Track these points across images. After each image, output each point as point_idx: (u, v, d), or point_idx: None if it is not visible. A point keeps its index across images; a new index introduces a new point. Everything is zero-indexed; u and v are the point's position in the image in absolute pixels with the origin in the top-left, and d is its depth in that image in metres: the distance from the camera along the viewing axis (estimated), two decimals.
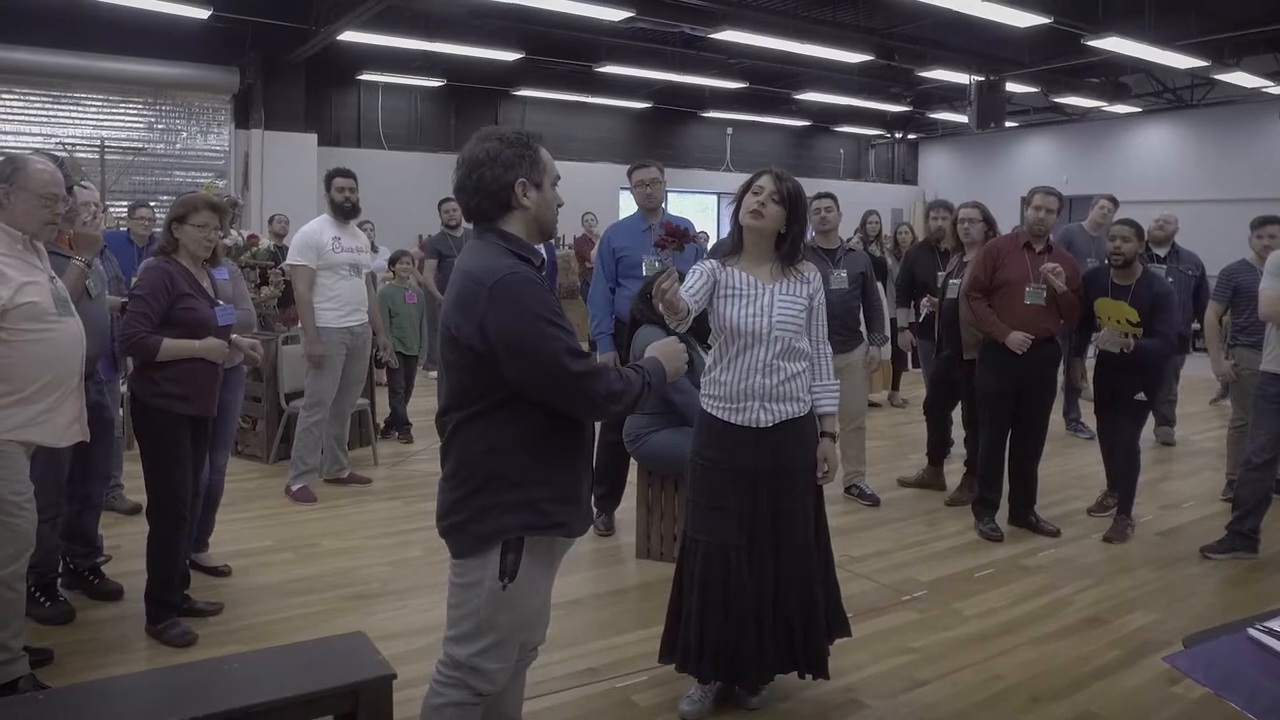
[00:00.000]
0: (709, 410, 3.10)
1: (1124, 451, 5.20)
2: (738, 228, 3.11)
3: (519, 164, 2.24)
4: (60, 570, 4.01)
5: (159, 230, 4.60)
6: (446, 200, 8.19)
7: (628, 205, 16.35)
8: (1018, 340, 4.86)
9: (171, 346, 3.57)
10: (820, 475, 3.15)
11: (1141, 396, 5.09)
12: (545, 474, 2.26)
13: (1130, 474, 5.20)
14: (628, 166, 5.20)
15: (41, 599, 3.80)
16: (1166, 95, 15.44)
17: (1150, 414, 7.30)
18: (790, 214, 3.01)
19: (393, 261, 7.66)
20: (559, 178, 2.37)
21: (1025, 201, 5.15)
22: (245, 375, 4.59)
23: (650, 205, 5.06)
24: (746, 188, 3.06)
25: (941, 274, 5.93)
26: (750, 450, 3.03)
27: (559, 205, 2.36)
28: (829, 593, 3.25)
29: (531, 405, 2.20)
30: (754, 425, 3.03)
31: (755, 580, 3.06)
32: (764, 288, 3.03)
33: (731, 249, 3.13)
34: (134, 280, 4.42)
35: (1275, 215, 5.91)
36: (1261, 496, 4.74)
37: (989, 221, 5.67)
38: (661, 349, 2.43)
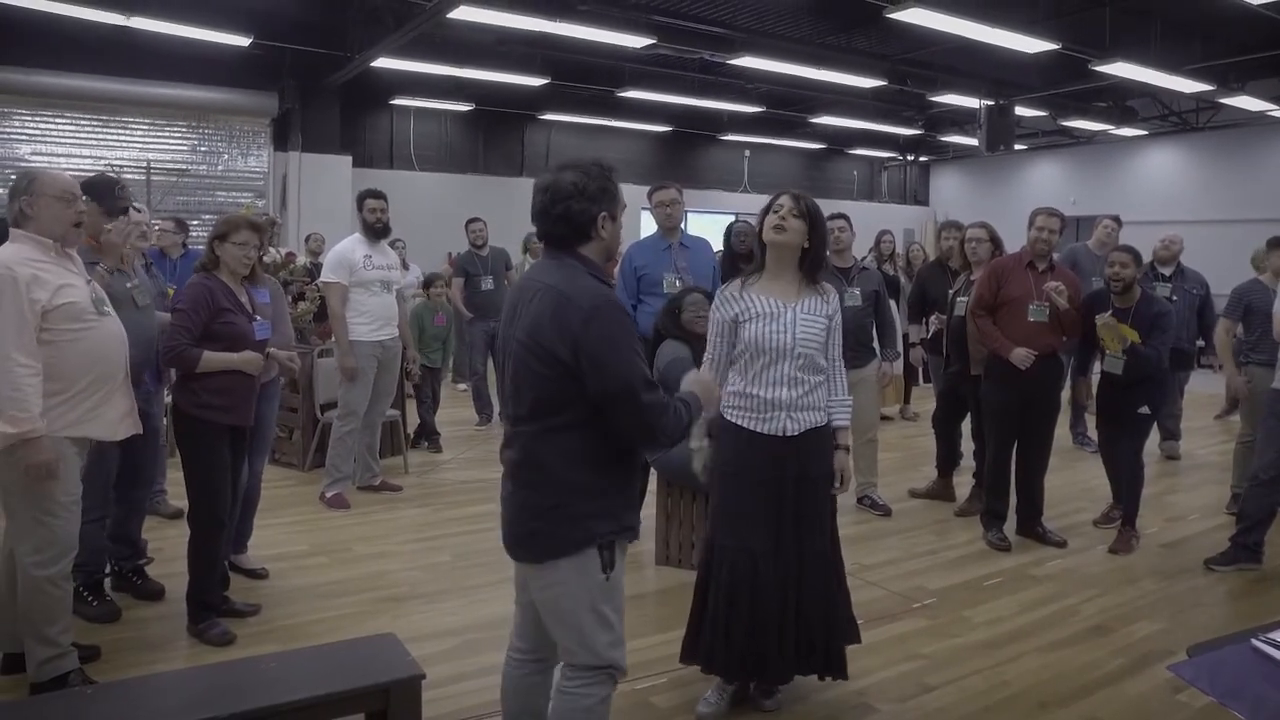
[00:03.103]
0: (735, 421, 3.12)
1: (1128, 465, 5.16)
2: (762, 248, 3.15)
3: (603, 198, 2.32)
4: (108, 571, 4.07)
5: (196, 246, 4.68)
6: (474, 221, 8.23)
7: (649, 225, 16.40)
8: (1021, 356, 4.86)
9: (211, 358, 3.63)
10: (835, 486, 3.18)
11: (1145, 410, 5.05)
12: (621, 483, 2.37)
13: (1134, 487, 5.16)
14: (648, 188, 5.23)
15: (89, 598, 3.85)
16: (1172, 118, 15.34)
17: (1155, 428, 7.30)
18: (811, 229, 3.06)
19: (428, 284, 7.72)
20: (625, 207, 2.45)
21: (1030, 222, 5.12)
22: (280, 387, 4.64)
23: (669, 225, 5.10)
24: (767, 209, 3.12)
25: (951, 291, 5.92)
26: (776, 457, 3.07)
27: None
28: (843, 599, 3.27)
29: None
30: (781, 434, 3.06)
31: (780, 585, 3.09)
32: (785, 306, 3.07)
33: (754, 269, 3.18)
34: (169, 291, 4.49)
35: None
36: (1267, 511, 4.69)
37: (995, 241, 5.66)
38: (700, 386, 2.49)
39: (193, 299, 3.68)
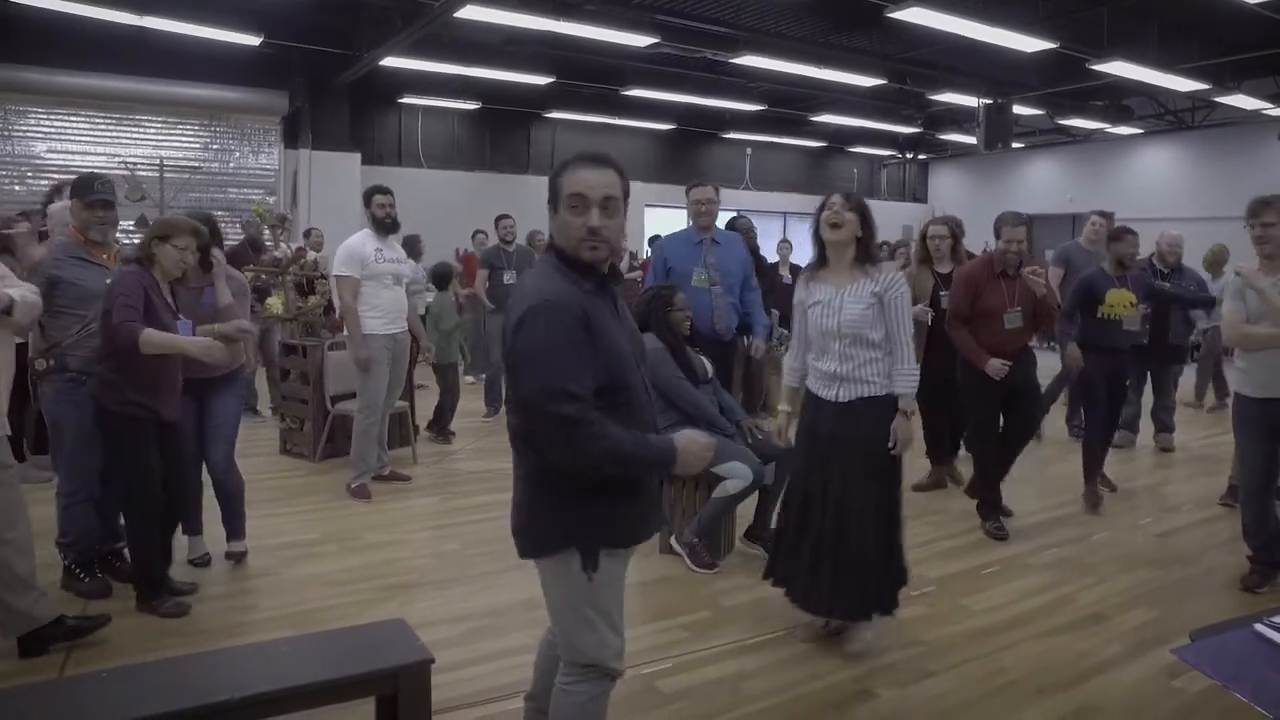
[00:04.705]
0: (810, 387, 3.61)
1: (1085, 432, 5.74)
2: (820, 246, 3.52)
3: (550, 189, 2.23)
4: (114, 559, 4.13)
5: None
6: (504, 217, 8.26)
7: (653, 222, 16.35)
8: (995, 368, 4.89)
9: (152, 337, 3.51)
10: (890, 446, 3.43)
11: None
12: (617, 489, 2.22)
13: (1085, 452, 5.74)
14: (685, 185, 5.44)
15: (80, 574, 3.93)
16: (1168, 117, 15.30)
17: (1150, 420, 7.29)
18: (862, 220, 3.43)
19: (445, 279, 7.74)
20: (577, 195, 2.16)
21: (997, 233, 5.08)
22: (240, 384, 4.57)
23: (704, 223, 5.17)
24: (820, 208, 3.48)
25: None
26: (831, 419, 3.50)
27: (587, 226, 2.16)
28: (886, 560, 3.51)
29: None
30: (835, 400, 3.49)
31: (821, 527, 3.49)
32: (837, 292, 3.45)
33: (818, 264, 3.56)
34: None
35: None
36: (1264, 519, 4.31)
37: (956, 238, 5.79)
38: (692, 444, 2.24)
39: (130, 285, 3.60)
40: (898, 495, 3.55)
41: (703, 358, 4.66)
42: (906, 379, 3.43)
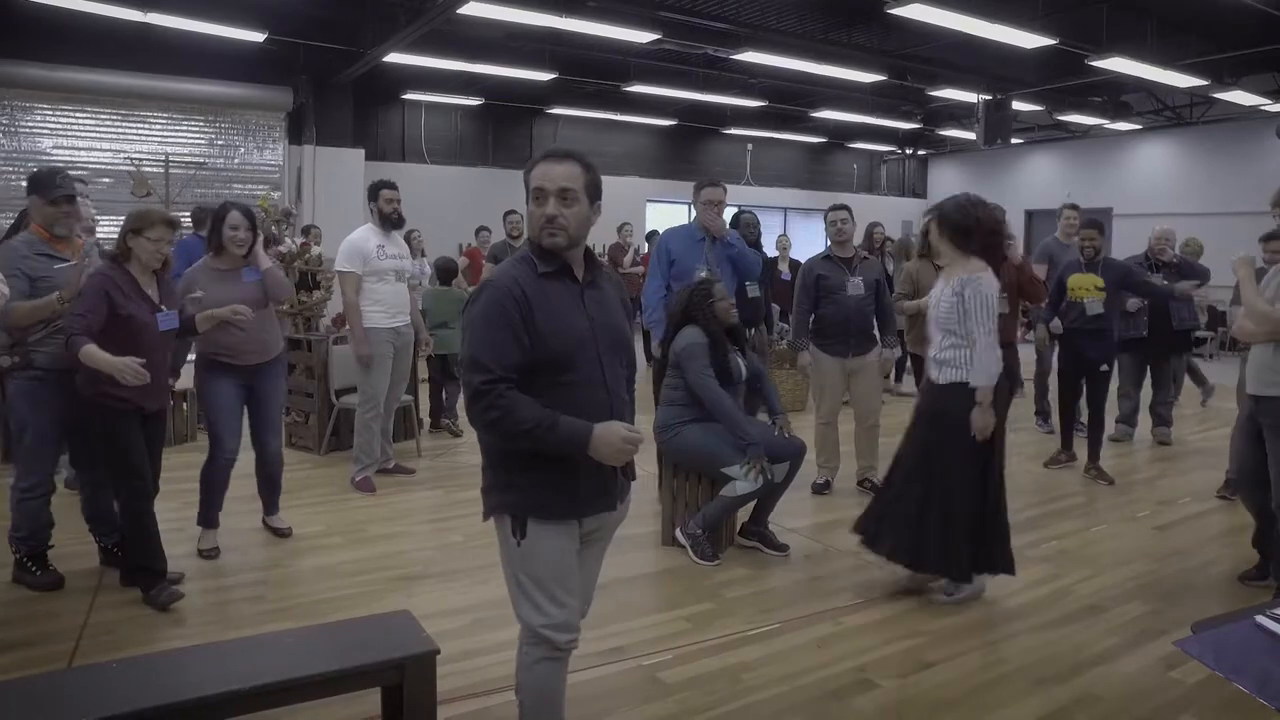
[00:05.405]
0: (928, 372, 4.07)
1: (1095, 414, 6.12)
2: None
3: (524, 185, 2.36)
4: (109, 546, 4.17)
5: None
6: (511, 213, 8.28)
7: (654, 217, 16.31)
8: None
9: (90, 353, 3.43)
10: (971, 434, 3.81)
11: (1105, 368, 6.06)
12: (546, 464, 2.28)
13: (1097, 432, 6.18)
14: (686, 180, 5.34)
15: (33, 568, 3.92)
16: (1166, 113, 15.26)
17: (1149, 414, 7.29)
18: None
19: (451, 277, 7.77)
20: (538, 189, 2.27)
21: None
22: (285, 367, 4.70)
23: (712, 224, 5.18)
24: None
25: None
26: (929, 396, 3.99)
27: (544, 215, 2.25)
28: (988, 524, 3.92)
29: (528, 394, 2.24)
30: (935, 380, 3.94)
31: (919, 491, 3.92)
32: (943, 287, 3.95)
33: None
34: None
35: None
36: (1258, 512, 4.22)
37: None
38: (608, 434, 2.21)
39: (91, 291, 3.57)
40: (990, 475, 3.90)
41: (740, 361, 4.63)
42: (977, 372, 3.80)
